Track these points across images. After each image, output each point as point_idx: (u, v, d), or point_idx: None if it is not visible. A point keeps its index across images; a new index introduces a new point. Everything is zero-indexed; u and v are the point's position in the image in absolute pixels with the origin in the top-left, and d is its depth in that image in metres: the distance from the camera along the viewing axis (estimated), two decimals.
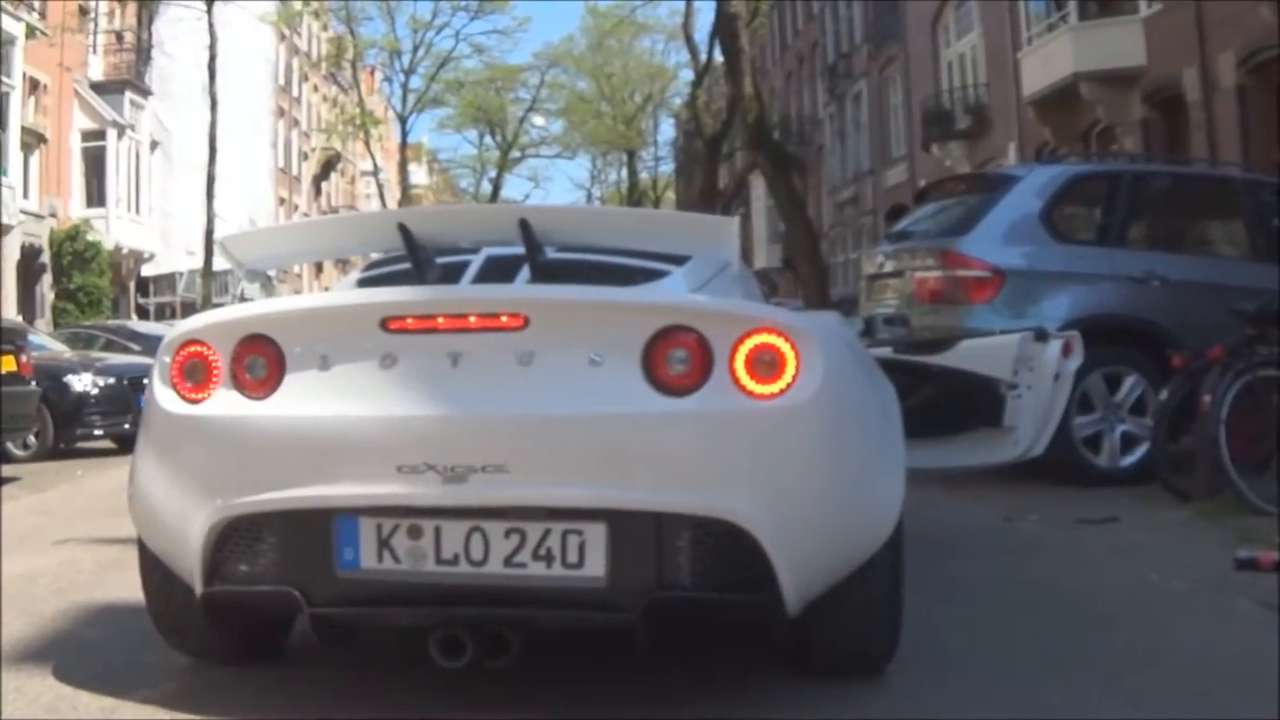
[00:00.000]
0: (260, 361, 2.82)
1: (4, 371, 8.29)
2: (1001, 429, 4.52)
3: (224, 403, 2.83)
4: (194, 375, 2.87)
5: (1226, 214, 7.73)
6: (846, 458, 2.86)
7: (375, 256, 3.78)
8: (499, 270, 3.23)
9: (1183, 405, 5.93)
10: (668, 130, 57.61)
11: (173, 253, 32.72)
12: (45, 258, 25.19)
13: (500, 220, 3.28)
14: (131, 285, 32.89)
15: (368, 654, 3.43)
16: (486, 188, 56.24)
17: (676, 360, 2.67)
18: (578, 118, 52.67)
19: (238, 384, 2.83)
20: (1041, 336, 4.57)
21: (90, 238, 26.51)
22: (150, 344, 15.04)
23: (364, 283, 3.49)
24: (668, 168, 58.53)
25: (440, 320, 2.72)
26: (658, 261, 3.33)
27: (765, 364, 2.67)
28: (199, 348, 2.88)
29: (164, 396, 2.90)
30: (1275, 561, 4.26)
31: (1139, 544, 5.04)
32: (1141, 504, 5.95)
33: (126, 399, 11.24)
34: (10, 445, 9.29)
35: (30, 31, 23.84)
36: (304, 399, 2.76)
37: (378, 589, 2.74)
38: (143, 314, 33.72)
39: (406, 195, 54.25)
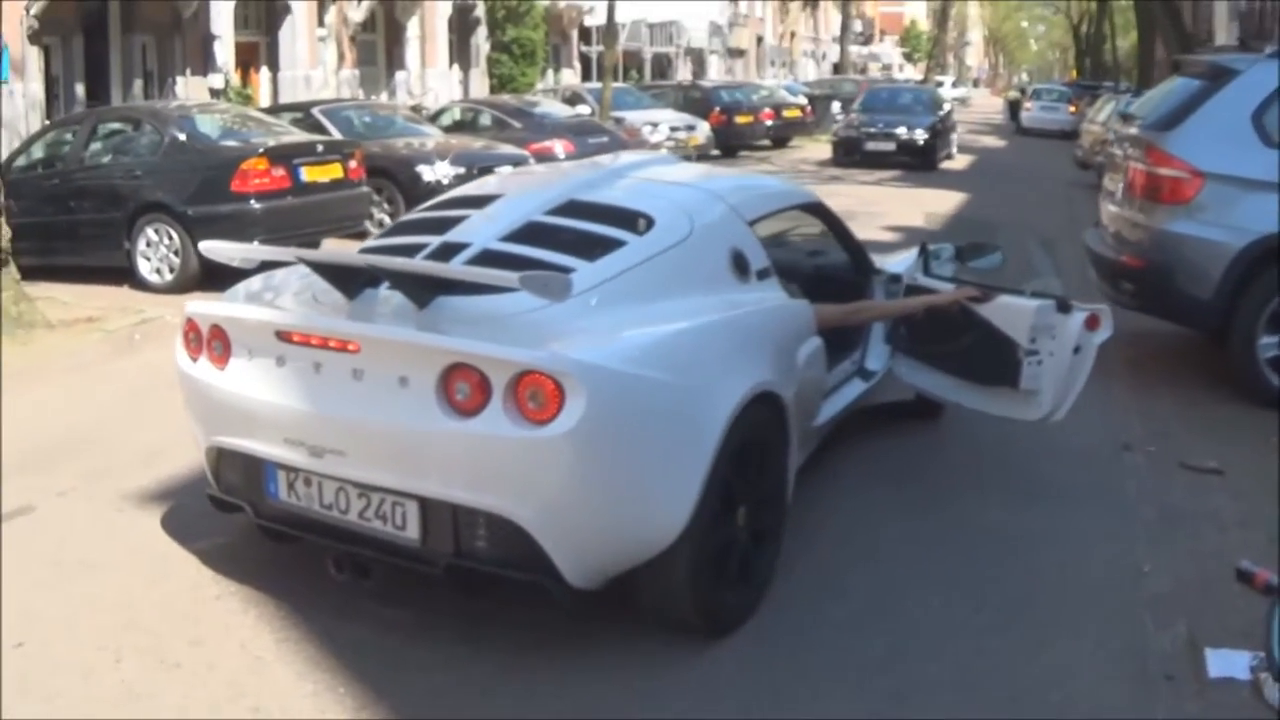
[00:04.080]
0: (219, 344, 3.85)
1: (330, 179, 9.78)
2: (1020, 390, 4.56)
3: (204, 369, 3.91)
4: (193, 342, 3.97)
5: None
6: (608, 479, 3.38)
7: (407, 217, 4.63)
8: (446, 254, 3.95)
9: None
10: None
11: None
12: (479, 12, 27.33)
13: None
14: (574, 34, 34.98)
15: None
16: None
17: (461, 390, 3.34)
18: None
19: (209, 356, 3.88)
20: (1064, 307, 4.48)
21: None
22: (533, 125, 16.41)
23: (364, 250, 4.26)
24: None
25: (314, 340, 3.58)
26: (577, 257, 3.85)
27: (533, 400, 3.26)
28: (193, 322, 3.95)
29: (179, 354, 4.04)
30: (1267, 583, 4.08)
31: (1204, 514, 4.91)
32: None
33: None
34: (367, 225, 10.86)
35: None
36: (240, 377, 3.78)
37: (291, 516, 3.78)
38: (584, 61, 35.96)
39: None
